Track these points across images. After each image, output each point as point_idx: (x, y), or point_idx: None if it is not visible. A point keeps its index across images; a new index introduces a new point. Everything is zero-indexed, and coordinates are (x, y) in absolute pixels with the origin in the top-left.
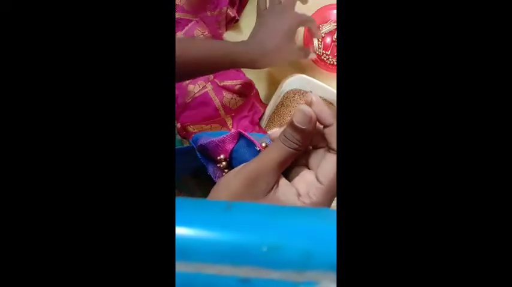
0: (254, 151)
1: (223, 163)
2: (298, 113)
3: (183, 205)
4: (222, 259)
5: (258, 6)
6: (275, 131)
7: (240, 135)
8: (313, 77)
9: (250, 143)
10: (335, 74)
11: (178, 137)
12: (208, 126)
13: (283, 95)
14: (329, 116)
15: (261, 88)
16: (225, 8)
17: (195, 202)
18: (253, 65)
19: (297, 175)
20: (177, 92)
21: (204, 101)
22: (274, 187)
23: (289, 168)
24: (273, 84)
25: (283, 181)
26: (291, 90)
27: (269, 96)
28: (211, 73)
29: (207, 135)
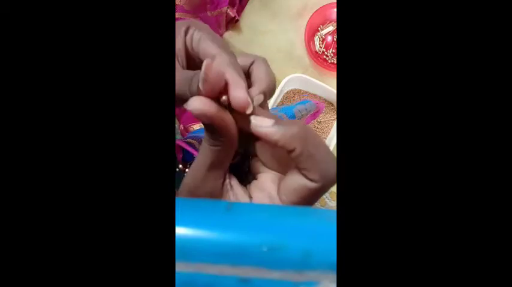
0: None
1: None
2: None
3: (183, 205)
4: (222, 259)
5: None
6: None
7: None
8: (313, 77)
9: (193, 150)
10: (335, 73)
11: (180, 137)
12: None
13: (283, 95)
14: (292, 139)
15: None
16: (225, 8)
17: (195, 202)
18: None
19: (257, 172)
20: None
21: None
22: (227, 189)
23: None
24: None
25: (238, 188)
26: (291, 90)
27: None
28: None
29: (196, 133)
